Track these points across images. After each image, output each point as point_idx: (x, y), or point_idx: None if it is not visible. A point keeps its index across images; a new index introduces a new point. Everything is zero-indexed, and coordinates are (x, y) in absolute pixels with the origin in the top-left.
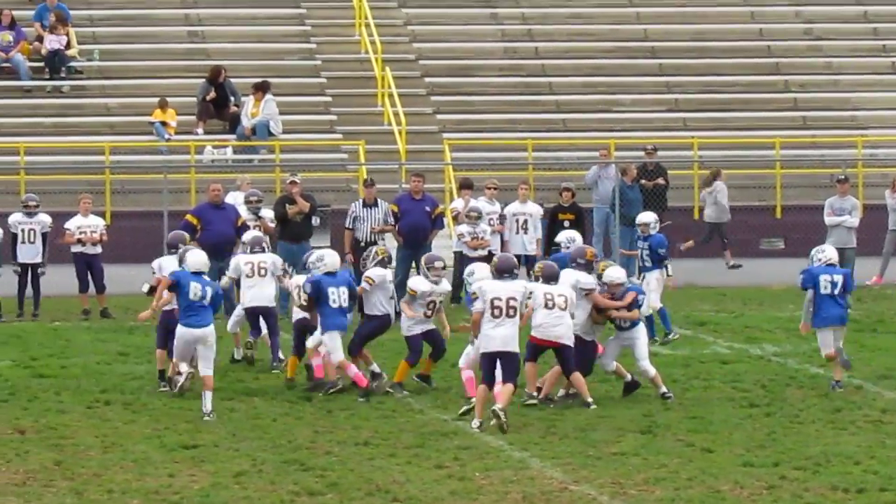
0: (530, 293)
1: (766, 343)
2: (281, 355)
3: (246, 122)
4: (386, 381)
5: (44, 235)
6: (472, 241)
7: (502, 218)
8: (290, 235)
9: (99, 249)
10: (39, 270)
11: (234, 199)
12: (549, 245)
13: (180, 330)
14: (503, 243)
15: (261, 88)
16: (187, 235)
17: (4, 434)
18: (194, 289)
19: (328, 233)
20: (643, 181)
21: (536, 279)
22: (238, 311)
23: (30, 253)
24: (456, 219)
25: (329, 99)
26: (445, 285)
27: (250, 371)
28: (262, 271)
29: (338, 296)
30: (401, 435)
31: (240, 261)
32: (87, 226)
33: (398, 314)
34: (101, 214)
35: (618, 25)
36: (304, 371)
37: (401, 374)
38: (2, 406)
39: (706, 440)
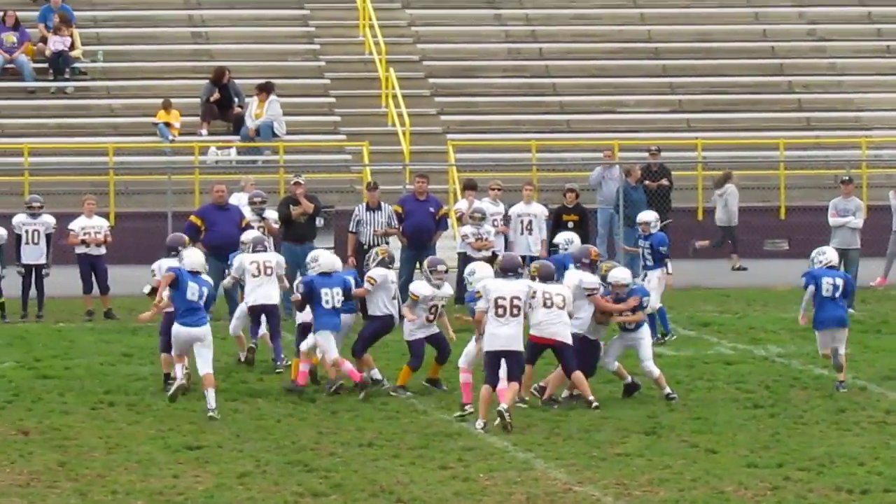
0: (534, 292)
1: (770, 344)
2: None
3: (250, 123)
4: (388, 385)
5: (48, 236)
6: (476, 243)
7: (506, 219)
8: (294, 236)
9: (103, 250)
10: (43, 272)
11: (238, 200)
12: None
13: (178, 329)
14: (508, 244)
15: (265, 89)
16: (186, 238)
17: (8, 435)
18: (192, 288)
19: (332, 234)
20: (647, 182)
21: (533, 279)
22: (239, 313)
23: (34, 254)
24: (460, 220)
25: (333, 100)
26: (448, 289)
27: (254, 372)
28: (268, 270)
29: (331, 296)
30: (405, 436)
31: (244, 260)
32: (90, 227)
33: (402, 317)
34: (105, 215)
35: (621, 26)
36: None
37: (403, 377)
38: (6, 407)
39: (710, 441)
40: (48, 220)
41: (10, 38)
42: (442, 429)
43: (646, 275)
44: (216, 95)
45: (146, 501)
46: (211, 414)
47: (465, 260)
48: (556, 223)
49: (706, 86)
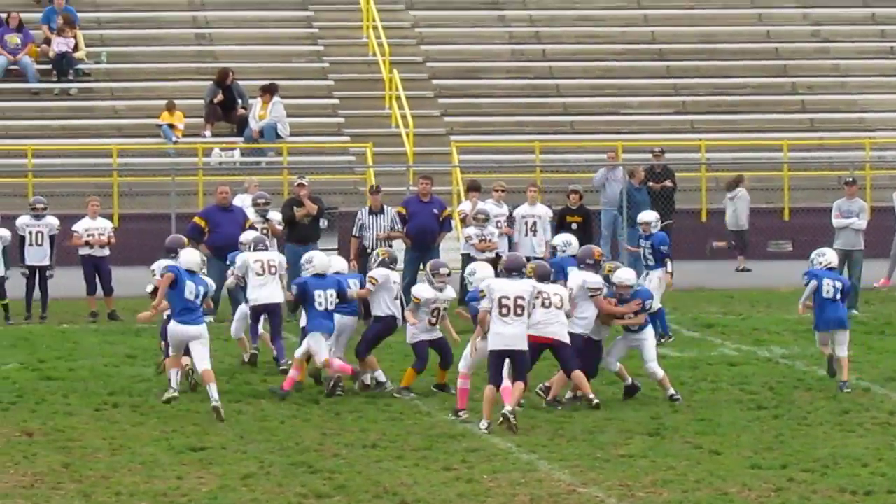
0: (538, 292)
1: (774, 345)
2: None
3: (254, 125)
4: (392, 387)
5: (51, 238)
6: (480, 244)
7: (510, 220)
8: (298, 238)
9: (107, 252)
10: (48, 273)
11: (242, 201)
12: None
13: (175, 327)
14: (512, 245)
15: (268, 91)
16: (185, 239)
17: (12, 436)
18: (189, 287)
19: (336, 235)
20: (651, 183)
21: (528, 278)
22: (239, 314)
23: (37, 255)
24: (464, 221)
25: (337, 101)
26: (450, 292)
27: (257, 374)
28: (273, 269)
29: (324, 298)
30: (409, 437)
31: (248, 259)
32: (94, 228)
33: (406, 320)
34: (109, 217)
35: (625, 28)
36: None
37: (407, 379)
38: (10, 409)
39: (714, 442)
40: (52, 221)
41: (14, 39)
42: (445, 430)
43: (647, 275)
44: (220, 97)
45: (150, 503)
46: (215, 404)
47: (468, 261)
48: (559, 224)
49: (710, 87)
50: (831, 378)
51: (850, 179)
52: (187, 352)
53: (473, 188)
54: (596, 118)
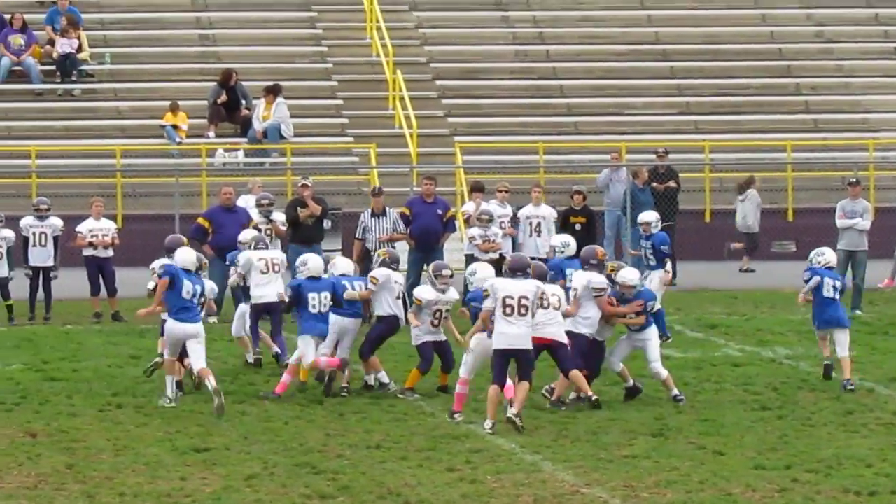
0: (542, 293)
1: (778, 346)
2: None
3: (257, 126)
4: (395, 388)
5: (55, 239)
6: (484, 245)
7: (514, 221)
8: (302, 238)
9: (110, 253)
10: (51, 274)
11: (246, 202)
12: None
13: (172, 325)
14: (516, 246)
15: (272, 91)
16: (185, 238)
17: (16, 437)
18: (186, 286)
19: (339, 236)
20: (655, 184)
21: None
22: (239, 313)
23: (41, 256)
24: (467, 222)
25: (340, 102)
26: (453, 293)
27: (261, 374)
28: (276, 268)
29: (318, 301)
30: (412, 438)
31: (252, 257)
32: (98, 229)
33: (408, 321)
34: (113, 218)
35: (629, 28)
36: (315, 374)
37: (412, 380)
38: (14, 409)
39: (718, 443)
40: (56, 222)
41: (18, 40)
42: (449, 431)
43: (648, 275)
44: (223, 98)
45: (154, 503)
46: (214, 387)
47: (472, 262)
48: (563, 225)
49: (714, 88)
50: (827, 378)
51: (854, 180)
52: (183, 354)
53: (477, 189)
54: (599, 119)
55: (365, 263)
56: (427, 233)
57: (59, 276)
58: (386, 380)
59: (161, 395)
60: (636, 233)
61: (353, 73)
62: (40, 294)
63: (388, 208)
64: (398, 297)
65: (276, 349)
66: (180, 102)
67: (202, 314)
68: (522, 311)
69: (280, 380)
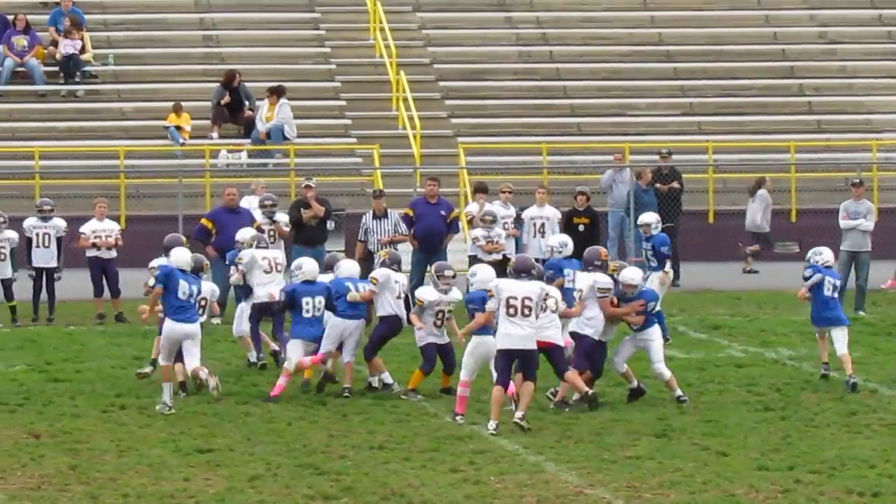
0: (546, 294)
1: (781, 347)
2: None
3: (261, 127)
4: (398, 389)
5: (58, 240)
6: (487, 245)
7: (517, 222)
8: (305, 239)
9: (114, 254)
10: (55, 275)
11: (249, 203)
12: None
13: (170, 325)
14: (520, 247)
15: (275, 92)
16: (184, 238)
17: (20, 438)
18: (182, 287)
19: (343, 237)
20: (658, 185)
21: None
22: (239, 312)
23: (44, 257)
24: (471, 223)
25: (344, 103)
26: (455, 294)
27: (265, 375)
28: (279, 267)
29: (312, 305)
30: (416, 439)
31: (256, 255)
32: (101, 230)
33: (411, 322)
34: (116, 219)
35: (632, 29)
36: (319, 374)
37: (415, 381)
38: (17, 410)
39: (721, 444)
40: (59, 223)
41: (21, 41)
42: (453, 432)
43: (649, 276)
44: (227, 98)
45: None
46: (207, 373)
47: (475, 263)
48: (566, 226)
49: (717, 89)
50: (823, 379)
51: (858, 181)
52: (178, 358)
53: (480, 190)
54: (603, 120)
55: (367, 265)
56: (430, 234)
57: (63, 277)
58: (390, 380)
59: (159, 402)
60: (640, 234)
61: (357, 75)
62: (44, 295)
63: (389, 210)
64: (399, 297)
65: (275, 347)
66: (184, 103)
67: (203, 316)
68: (526, 311)
69: (277, 382)
